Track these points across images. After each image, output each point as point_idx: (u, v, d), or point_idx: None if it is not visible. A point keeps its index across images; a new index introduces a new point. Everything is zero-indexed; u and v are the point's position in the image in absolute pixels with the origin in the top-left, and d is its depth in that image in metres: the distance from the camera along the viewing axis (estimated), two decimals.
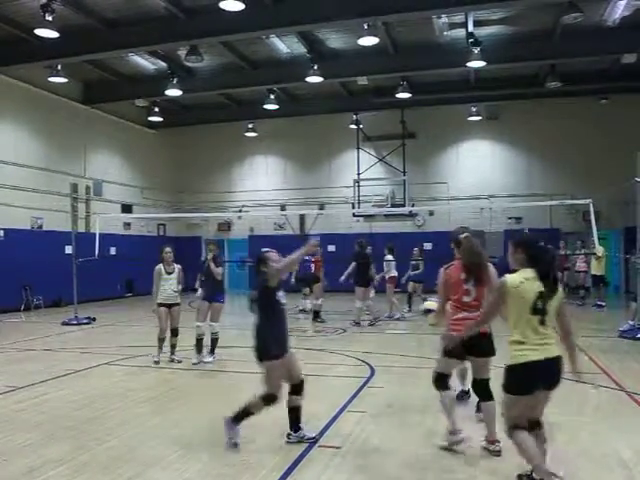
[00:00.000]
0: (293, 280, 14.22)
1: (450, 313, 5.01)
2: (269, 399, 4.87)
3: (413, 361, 8.63)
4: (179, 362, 8.55)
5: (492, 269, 4.98)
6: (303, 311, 14.92)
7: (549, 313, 3.90)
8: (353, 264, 13.07)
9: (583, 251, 15.61)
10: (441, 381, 4.98)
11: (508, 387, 3.97)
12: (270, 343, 4.87)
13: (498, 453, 4.68)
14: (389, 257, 14.08)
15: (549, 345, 3.91)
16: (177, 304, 8.70)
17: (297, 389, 5.03)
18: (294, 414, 5.06)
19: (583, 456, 4.68)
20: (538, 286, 3.86)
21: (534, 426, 4.08)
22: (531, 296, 3.84)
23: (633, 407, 6.07)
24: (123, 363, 8.74)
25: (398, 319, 13.72)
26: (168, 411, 6.24)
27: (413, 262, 14.73)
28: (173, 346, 8.72)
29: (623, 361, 8.12)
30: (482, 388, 4.95)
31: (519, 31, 15.01)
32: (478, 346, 4.78)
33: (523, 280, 3.88)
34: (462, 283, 4.93)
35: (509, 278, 3.93)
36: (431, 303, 5.41)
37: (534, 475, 4.07)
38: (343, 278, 13.23)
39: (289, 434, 5.06)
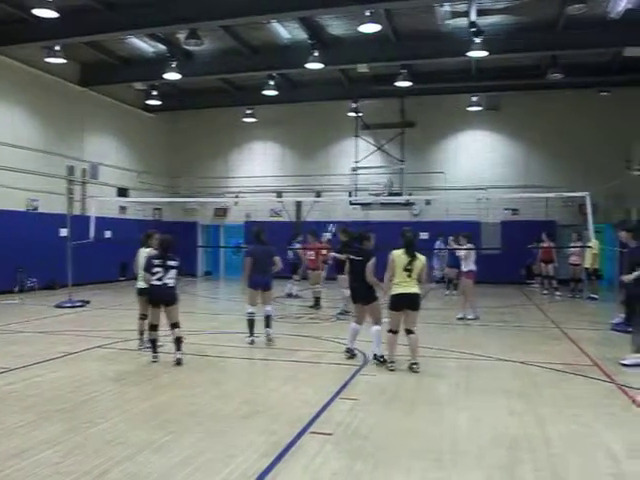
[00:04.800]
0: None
1: None
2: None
3: (404, 350, 8.64)
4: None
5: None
6: (290, 295, 15.52)
7: (413, 270, 7.22)
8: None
9: (579, 244, 15.57)
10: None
11: (390, 306, 7.32)
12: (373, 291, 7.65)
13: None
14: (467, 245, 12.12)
15: (410, 286, 7.22)
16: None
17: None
18: None
19: (572, 448, 4.70)
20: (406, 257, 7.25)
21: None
22: (403, 261, 7.22)
23: (624, 400, 6.09)
24: (116, 346, 8.75)
25: (477, 319, 11.79)
26: (159, 395, 6.24)
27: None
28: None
29: (614, 354, 8.15)
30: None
31: (522, 21, 14.93)
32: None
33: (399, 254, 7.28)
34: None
35: (394, 252, 7.33)
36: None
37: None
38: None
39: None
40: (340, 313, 12.11)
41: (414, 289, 7.25)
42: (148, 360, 7.64)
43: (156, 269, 7.59)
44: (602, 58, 17.22)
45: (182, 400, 6.01)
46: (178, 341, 7.63)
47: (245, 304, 9.26)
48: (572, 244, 16.09)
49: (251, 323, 9.15)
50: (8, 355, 7.99)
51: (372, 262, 7.59)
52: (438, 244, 18.62)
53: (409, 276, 7.21)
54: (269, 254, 9.19)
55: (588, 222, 10.95)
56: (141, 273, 8.19)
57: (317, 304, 13.53)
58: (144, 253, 8.34)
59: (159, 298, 7.67)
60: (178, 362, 7.45)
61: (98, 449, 4.54)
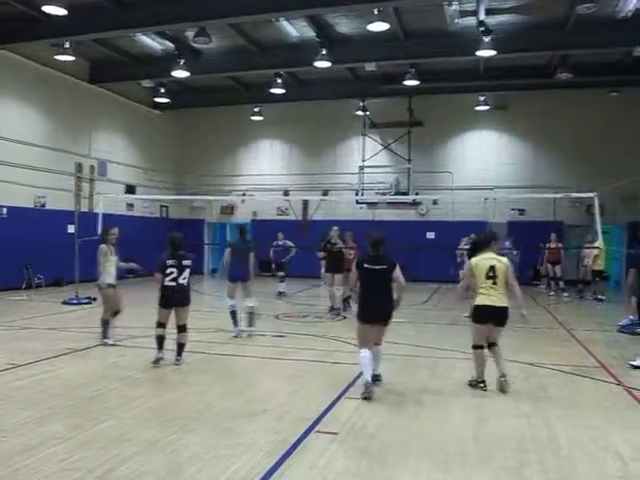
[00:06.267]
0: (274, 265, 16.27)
1: None
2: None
3: (413, 350, 8.63)
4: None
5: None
6: (280, 294, 15.80)
7: (498, 277, 6.36)
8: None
9: (587, 245, 15.46)
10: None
11: (473, 318, 6.54)
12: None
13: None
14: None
15: (497, 298, 6.35)
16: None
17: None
18: None
19: (580, 450, 4.68)
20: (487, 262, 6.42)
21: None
22: (484, 268, 6.38)
23: (630, 402, 6.07)
24: (122, 343, 8.76)
25: None
26: (166, 392, 6.26)
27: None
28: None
29: (622, 356, 8.11)
30: None
31: (531, 20, 14.84)
32: None
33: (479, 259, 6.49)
34: None
35: (472, 259, 6.61)
36: None
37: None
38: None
39: None
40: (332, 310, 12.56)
41: (501, 302, 6.30)
42: (155, 357, 7.58)
43: (170, 269, 7.33)
44: (612, 57, 17.11)
45: (188, 398, 6.02)
46: (181, 347, 7.47)
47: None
48: (587, 245, 15.88)
49: (233, 315, 9.48)
50: (15, 351, 8.02)
51: (399, 268, 6.31)
52: (508, 244, 17.55)
53: (494, 283, 6.31)
54: (247, 249, 9.56)
55: (596, 223, 10.90)
56: (100, 268, 8.58)
57: (347, 304, 13.19)
58: (103, 249, 8.66)
59: (173, 300, 7.40)
60: (177, 364, 7.32)
61: (104, 446, 4.55)
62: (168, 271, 7.33)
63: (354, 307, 12.05)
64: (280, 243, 16.39)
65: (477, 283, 6.37)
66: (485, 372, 6.47)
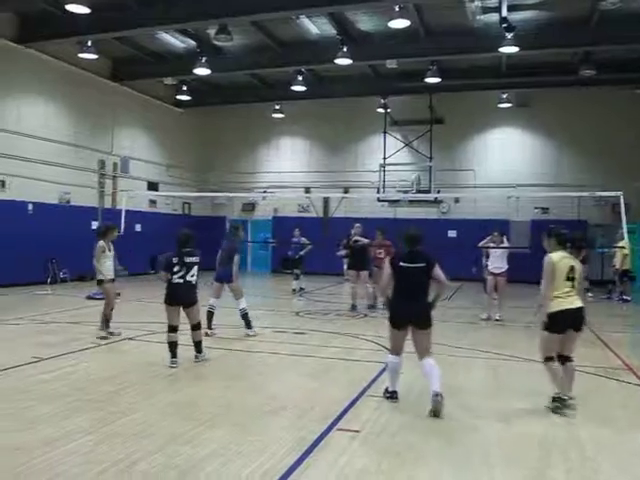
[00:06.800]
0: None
1: None
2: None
3: (434, 348, 8.57)
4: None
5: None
6: (294, 291, 15.82)
7: (576, 279, 5.67)
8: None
9: (613, 245, 15.19)
10: None
11: (549, 327, 5.66)
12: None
13: None
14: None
15: (575, 299, 5.63)
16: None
17: None
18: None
19: (605, 452, 4.61)
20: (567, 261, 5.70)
21: None
22: (565, 268, 5.65)
23: None
24: (145, 338, 8.85)
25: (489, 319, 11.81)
26: (188, 387, 6.29)
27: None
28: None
29: None
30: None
31: (554, 16, 14.65)
32: None
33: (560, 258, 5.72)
34: None
35: (552, 256, 5.77)
36: None
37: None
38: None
39: None
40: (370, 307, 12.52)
41: (579, 302, 5.63)
42: (177, 353, 7.58)
43: (176, 267, 7.13)
44: (637, 54, 16.82)
45: (210, 393, 6.05)
46: (198, 345, 7.37)
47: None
48: (614, 245, 15.58)
49: (209, 315, 9.24)
50: (40, 345, 8.13)
51: (438, 266, 5.73)
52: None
53: (573, 286, 5.62)
54: (231, 250, 9.28)
55: (622, 222, 10.74)
56: (98, 264, 8.75)
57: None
58: (101, 245, 8.84)
59: (179, 298, 7.20)
60: (197, 361, 7.29)
61: (127, 440, 4.60)
62: (175, 269, 7.13)
63: (376, 311, 12.25)
64: (296, 240, 16.41)
65: (554, 285, 5.59)
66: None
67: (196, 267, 7.26)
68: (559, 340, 5.64)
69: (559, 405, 5.52)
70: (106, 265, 8.92)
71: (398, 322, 5.71)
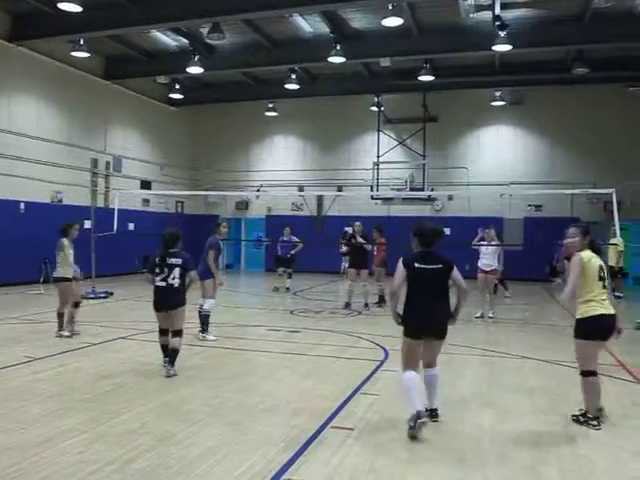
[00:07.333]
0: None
1: None
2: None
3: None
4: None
5: None
6: (287, 289, 15.86)
7: (606, 280, 5.18)
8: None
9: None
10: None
11: (585, 334, 5.08)
12: None
13: None
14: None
15: (609, 304, 5.10)
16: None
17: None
18: None
19: (598, 448, 4.63)
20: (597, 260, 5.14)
21: None
22: (595, 268, 5.10)
23: None
24: (138, 338, 8.83)
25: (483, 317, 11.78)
26: (182, 387, 6.28)
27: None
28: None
29: None
30: None
31: (547, 15, 14.70)
32: None
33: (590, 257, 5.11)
34: None
35: (582, 255, 5.12)
36: None
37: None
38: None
39: None
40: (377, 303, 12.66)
41: (612, 308, 5.09)
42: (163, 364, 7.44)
43: (158, 268, 6.78)
44: (629, 52, 16.88)
45: (204, 392, 6.04)
46: (173, 353, 6.69)
47: None
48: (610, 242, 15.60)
49: (199, 316, 8.99)
50: (33, 345, 8.10)
51: (457, 269, 5.05)
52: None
53: (604, 287, 5.10)
54: (207, 246, 9.03)
55: (615, 219, 10.77)
56: (60, 261, 8.80)
57: (382, 300, 13.08)
58: (65, 242, 8.96)
59: (162, 302, 6.78)
60: (168, 376, 6.54)
61: (121, 439, 4.58)
62: (157, 270, 6.79)
63: (372, 309, 12.28)
64: (286, 239, 16.39)
65: (584, 286, 5.03)
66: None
67: (177, 269, 6.73)
68: (597, 348, 5.11)
69: (590, 419, 5.08)
70: (67, 262, 8.92)
71: (417, 332, 4.96)
